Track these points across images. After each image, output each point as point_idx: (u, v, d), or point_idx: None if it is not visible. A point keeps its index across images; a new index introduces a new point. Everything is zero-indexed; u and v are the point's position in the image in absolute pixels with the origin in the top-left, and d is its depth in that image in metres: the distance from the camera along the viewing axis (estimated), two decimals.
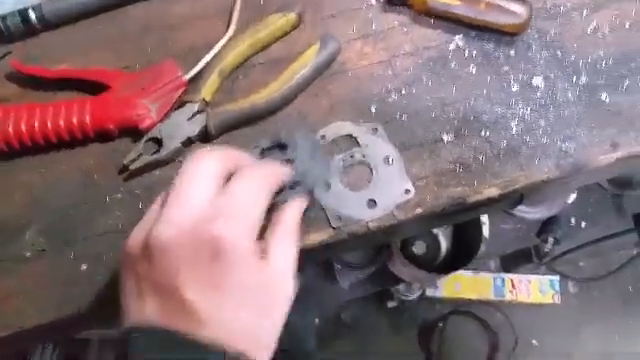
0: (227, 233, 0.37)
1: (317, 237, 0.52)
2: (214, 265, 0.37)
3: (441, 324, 1.66)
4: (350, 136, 0.56)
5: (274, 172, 0.43)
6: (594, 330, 1.67)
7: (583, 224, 1.35)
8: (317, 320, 1.60)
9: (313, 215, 0.52)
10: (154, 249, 0.37)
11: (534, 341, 1.66)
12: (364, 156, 0.54)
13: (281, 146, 0.51)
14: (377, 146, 0.55)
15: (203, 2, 0.64)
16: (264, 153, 0.51)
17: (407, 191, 0.53)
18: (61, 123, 0.55)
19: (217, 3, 0.64)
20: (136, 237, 0.40)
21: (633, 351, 1.65)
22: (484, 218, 1.21)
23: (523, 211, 1.28)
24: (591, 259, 1.65)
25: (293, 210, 0.44)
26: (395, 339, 1.67)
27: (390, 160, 0.54)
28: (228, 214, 0.38)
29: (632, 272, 1.70)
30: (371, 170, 0.54)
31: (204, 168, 0.40)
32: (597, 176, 0.60)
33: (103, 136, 0.57)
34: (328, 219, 0.52)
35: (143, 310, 0.37)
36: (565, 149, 0.54)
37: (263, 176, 0.41)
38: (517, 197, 0.56)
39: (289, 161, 0.49)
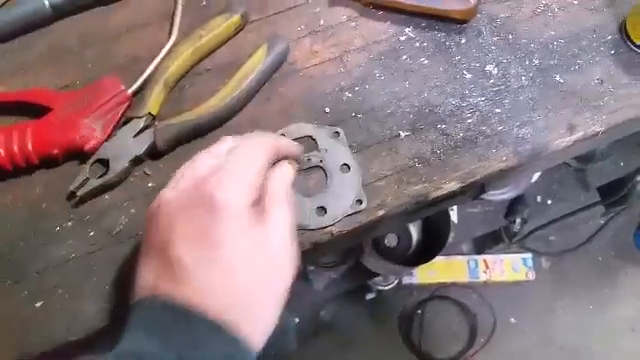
0: (221, 189, 0.38)
1: None
2: (207, 220, 0.37)
3: (420, 311, 1.66)
4: (310, 138, 0.53)
5: (272, 140, 0.44)
6: (569, 302, 1.70)
7: (549, 201, 1.36)
8: (297, 320, 1.59)
9: None
10: (160, 213, 0.39)
11: (512, 319, 1.68)
12: (321, 161, 0.52)
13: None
14: (337, 152, 0.53)
15: (143, 8, 0.61)
16: None
17: (359, 202, 0.51)
18: (1, 152, 0.52)
19: (158, 9, 0.61)
20: (149, 211, 0.42)
21: (608, 320, 1.68)
22: None
23: (489, 193, 1.28)
24: (561, 234, 1.68)
25: (278, 176, 0.44)
26: (376, 331, 1.67)
27: (347, 168, 0.52)
28: (224, 172, 0.39)
29: (601, 243, 1.74)
30: (326, 176, 0.52)
31: (214, 148, 0.43)
32: (557, 159, 0.60)
33: (48, 162, 0.54)
34: None
35: (141, 277, 0.38)
36: (522, 135, 0.53)
37: (260, 143, 0.43)
38: (479, 187, 0.55)
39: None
